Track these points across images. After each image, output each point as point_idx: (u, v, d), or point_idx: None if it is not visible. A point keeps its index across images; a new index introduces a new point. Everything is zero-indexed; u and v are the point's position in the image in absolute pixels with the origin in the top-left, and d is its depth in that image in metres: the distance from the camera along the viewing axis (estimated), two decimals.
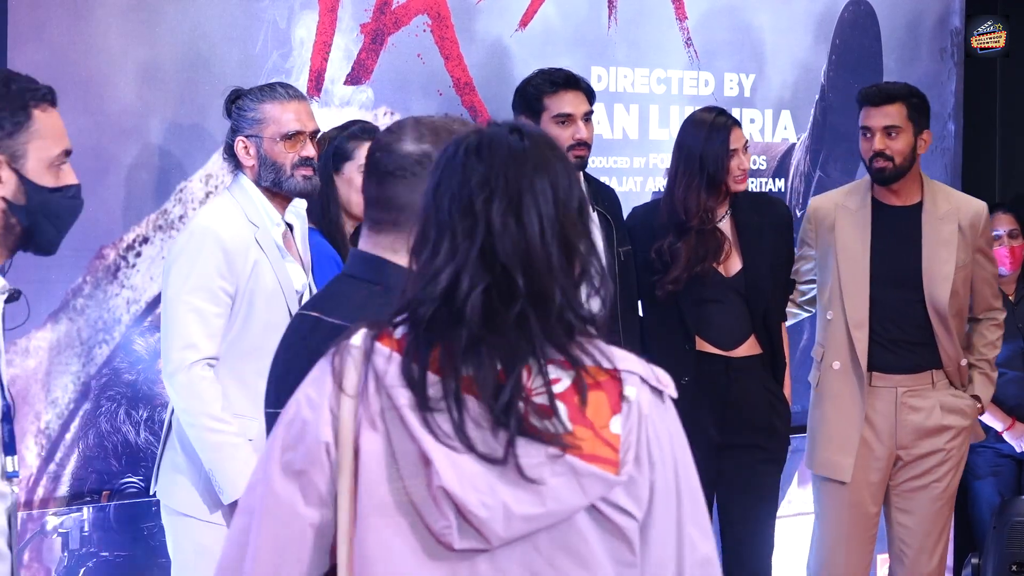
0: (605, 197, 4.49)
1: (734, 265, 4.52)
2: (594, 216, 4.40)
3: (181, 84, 4.24)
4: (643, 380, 1.83)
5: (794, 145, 5.68)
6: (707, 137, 4.39)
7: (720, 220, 4.51)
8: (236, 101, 3.74)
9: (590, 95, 4.40)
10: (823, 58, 5.69)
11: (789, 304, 4.82)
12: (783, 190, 5.64)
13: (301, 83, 4.43)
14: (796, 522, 5.46)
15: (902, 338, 4.61)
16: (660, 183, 5.22)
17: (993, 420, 5.44)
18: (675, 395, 1.87)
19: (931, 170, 6.02)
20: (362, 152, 3.99)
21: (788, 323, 4.86)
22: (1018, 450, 5.47)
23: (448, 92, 4.75)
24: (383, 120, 4.57)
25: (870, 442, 4.62)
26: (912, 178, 4.64)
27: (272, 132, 3.69)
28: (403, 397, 1.78)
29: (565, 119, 4.30)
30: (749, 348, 4.52)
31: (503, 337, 1.78)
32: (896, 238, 4.63)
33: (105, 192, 4.07)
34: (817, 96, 5.70)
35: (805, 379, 5.42)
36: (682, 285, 4.42)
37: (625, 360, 1.84)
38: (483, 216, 1.80)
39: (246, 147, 3.72)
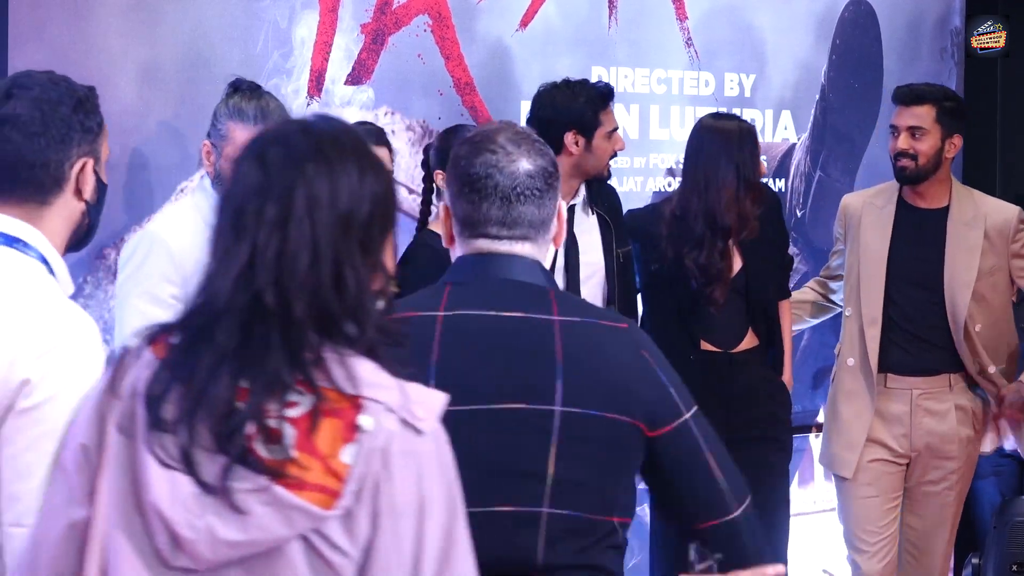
0: (605, 198, 4.48)
1: (734, 264, 4.51)
2: (592, 218, 4.41)
3: (181, 84, 4.24)
4: (390, 410, 1.72)
5: (795, 145, 5.68)
6: (739, 145, 4.39)
7: None
8: (226, 98, 3.68)
9: None
10: (823, 58, 5.69)
11: (819, 298, 4.91)
12: (783, 190, 5.64)
13: (302, 83, 4.43)
14: (796, 522, 5.46)
15: (919, 340, 4.61)
16: (660, 183, 5.23)
17: None
18: (432, 429, 1.75)
19: None
20: None
21: (817, 319, 4.99)
22: (1021, 450, 5.47)
23: (449, 92, 4.75)
24: (384, 120, 4.57)
25: (886, 441, 4.64)
26: (939, 181, 4.62)
27: (229, 152, 3.58)
28: (142, 409, 1.75)
29: (613, 132, 4.33)
30: (748, 342, 4.54)
31: (253, 357, 1.71)
32: (919, 241, 4.62)
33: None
34: (817, 96, 5.70)
35: (804, 378, 5.42)
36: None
37: (375, 387, 1.73)
38: (252, 228, 1.73)
39: (208, 151, 3.67)
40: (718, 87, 5.43)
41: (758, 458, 4.47)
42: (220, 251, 1.76)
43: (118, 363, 1.82)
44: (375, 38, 4.61)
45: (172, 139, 4.23)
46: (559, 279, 4.27)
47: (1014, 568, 5.14)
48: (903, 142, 4.55)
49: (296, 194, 1.73)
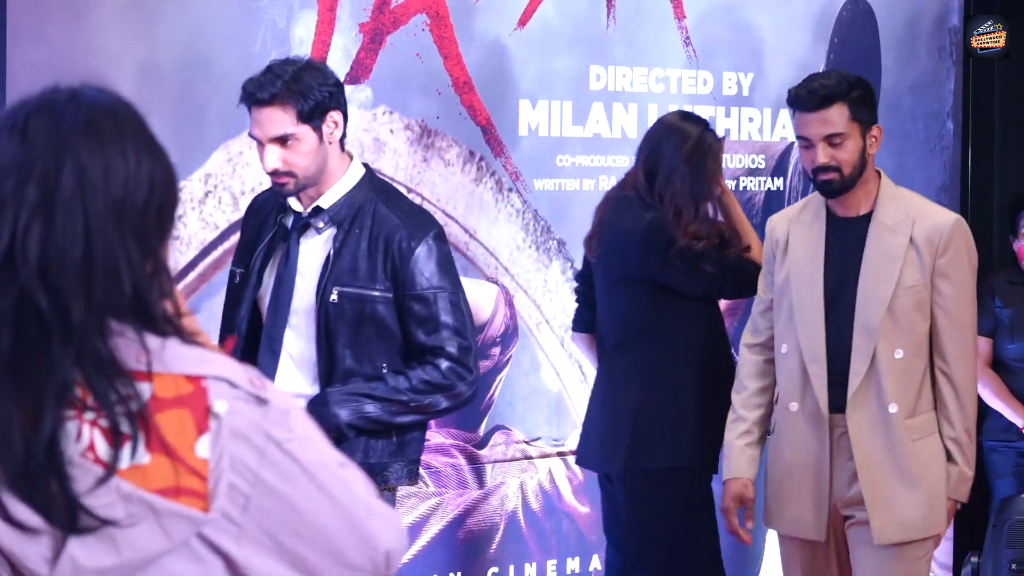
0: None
1: None
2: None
3: (180, 83, 4.25)
4: (234, 385, 1.49)
5: (792, 144, 5.68)
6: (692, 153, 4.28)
7: None
8: None
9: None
10: (821, 57, 5.70)
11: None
12: (782, 189, 5.64)
13: None
14: None
15: (842, 371, 3.78)
16: None
17: (1014, 416, 5.39)
18: (274, 396, 1.52)
19: (930, 169, 6.04)
20: None
21: None
22: None
23: (447, 91, 4.76)
24: (382, 119, 4.58)
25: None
26: (861, 184, 3.82)
27: None
28: None
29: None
30: None
31: (33, 367, 1.44)
32: (844, 255, 3.82)
33: None
34: None
35: None
36: None
37: (208, 362, 1.50)
38: (10, 214, 1.46)
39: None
40: (716, 86, 5.44)
41: None
42: None
43: None
44: (373, 37, 4.62)
45: (171, 139, 4.18)
46: None
47: (1013, 567, 5.13)
48: (823, 155, 3.76)
49: (64, 173, 1.47)
